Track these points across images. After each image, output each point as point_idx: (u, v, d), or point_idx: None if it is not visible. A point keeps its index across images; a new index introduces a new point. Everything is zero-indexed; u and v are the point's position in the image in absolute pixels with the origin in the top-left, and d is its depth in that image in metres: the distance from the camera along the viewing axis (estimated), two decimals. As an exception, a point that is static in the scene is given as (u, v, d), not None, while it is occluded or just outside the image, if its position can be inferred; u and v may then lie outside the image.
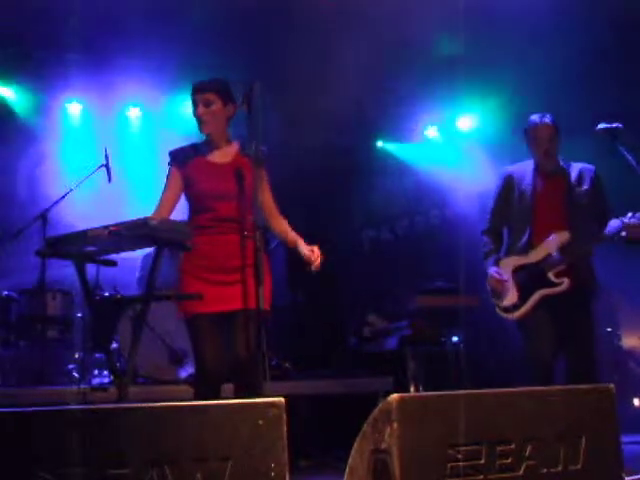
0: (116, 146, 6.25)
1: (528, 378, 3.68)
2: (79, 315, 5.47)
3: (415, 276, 6.78)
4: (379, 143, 8.04)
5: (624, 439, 2.34)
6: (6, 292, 5.34)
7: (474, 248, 4.42)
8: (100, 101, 6.90)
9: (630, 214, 3.50)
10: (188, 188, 3.18)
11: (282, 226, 3.32)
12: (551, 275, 3.66)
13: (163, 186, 3.23)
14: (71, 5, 5.36)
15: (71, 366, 5.15)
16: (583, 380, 3.39)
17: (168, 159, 3.25)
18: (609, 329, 5.97)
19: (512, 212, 3.89)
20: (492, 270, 3.85)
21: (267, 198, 3.26)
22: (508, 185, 3.93)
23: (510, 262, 3.83)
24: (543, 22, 5.31)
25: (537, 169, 3.88)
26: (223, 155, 3.22)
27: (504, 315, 3.84)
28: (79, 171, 5.64)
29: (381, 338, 6.33)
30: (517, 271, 3.79)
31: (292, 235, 3.29)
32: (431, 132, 7.88)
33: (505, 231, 3.98)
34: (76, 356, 5.29)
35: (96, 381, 4.77)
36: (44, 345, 5.04)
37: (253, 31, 5.78)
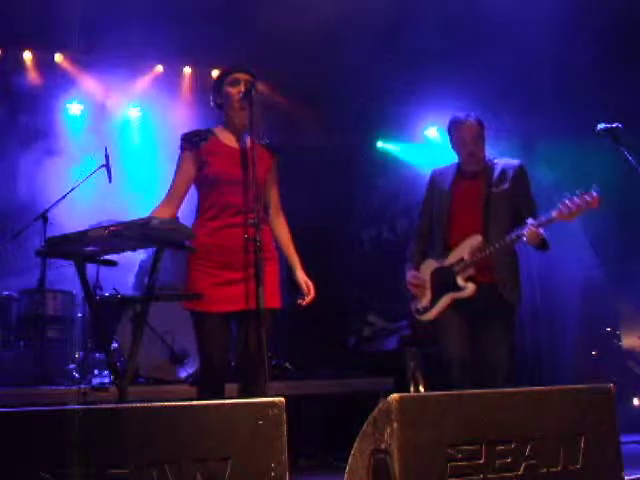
0: (116, 146, 6.25)
1: (447, 378, 3.55)
2: (79, 315, 5.48)
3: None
4: (379, 143, 8.04)
5: (624, 439, 2.34)
6: (6, 292, 5.35)
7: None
8: (100, 101, 6.91)
9: (530, 220, 3.36)
10: (200, 171, 3.06)
11: (282, 229, 3.27)
12: (459, 279, 3.54)
13: (173, 172, 3.11)
14: (71, 5, 5.37)
15: (71, 366, 5.15)
16: (487, 383, 3.30)
17: (180, 143, 3.13)
18: (609, 329, 5.97)
19: (434, 214, 3.75)
20: (408, 275, 3.77)
21: (274, 191, 3.25)
22: (432, 187, 3.81)
23: (430, 265, 3.72)
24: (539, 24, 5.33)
25: (459, 170, 3.72)
26: (238, 141, 3.13)
27: (417, 317, 3.76)
28: (79, 171, 5.65)
29: (381, 338, 6.34)
30: (434, 274, 3.68)
31: (291, 250, 3.24)
32: (431, 132, 7.89)
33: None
34: (76, 356, 5.30)
35: (96, 381, 4.76)
36: (44, 345, 5.03)
37: (253, 30, 5.79)
